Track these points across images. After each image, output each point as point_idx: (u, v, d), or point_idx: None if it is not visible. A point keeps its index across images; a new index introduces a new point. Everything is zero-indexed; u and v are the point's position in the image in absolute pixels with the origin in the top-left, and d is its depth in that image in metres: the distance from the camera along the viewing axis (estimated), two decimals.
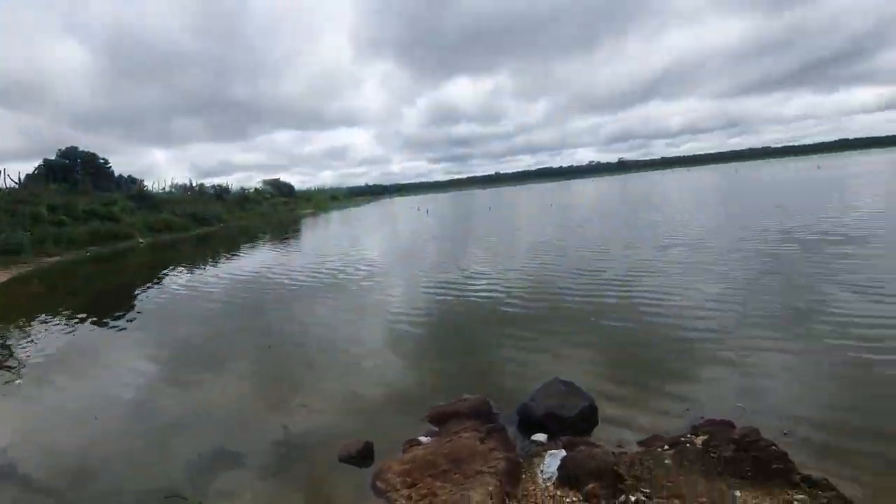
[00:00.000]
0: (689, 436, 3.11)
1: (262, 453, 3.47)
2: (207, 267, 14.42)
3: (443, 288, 8.37)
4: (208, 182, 53.84)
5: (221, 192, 51.02)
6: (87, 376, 5.44)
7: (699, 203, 20.88)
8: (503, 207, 33.49)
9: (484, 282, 8.57)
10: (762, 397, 3.66)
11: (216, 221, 38.33)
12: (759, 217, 13.73)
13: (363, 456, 3.28)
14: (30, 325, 8.13)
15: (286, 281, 10.59)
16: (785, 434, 3.14)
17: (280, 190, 69.01)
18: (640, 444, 3.18)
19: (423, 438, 3.42)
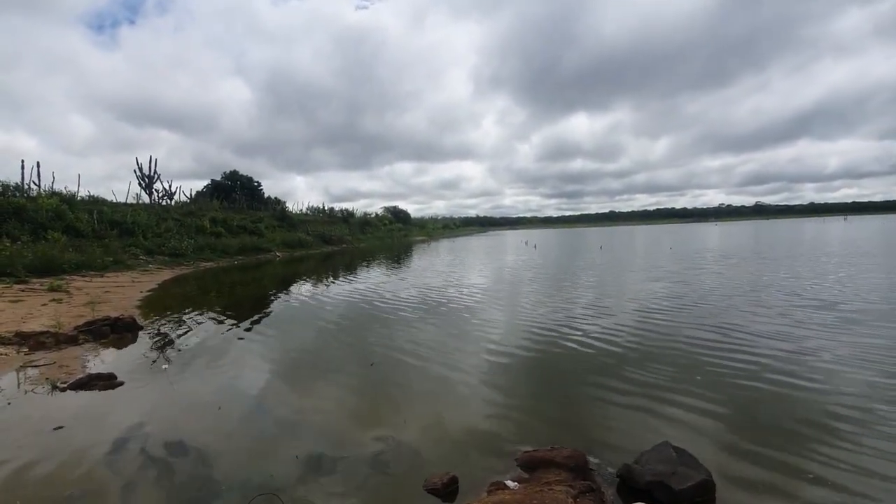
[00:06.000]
0: None
1: (351, 466, 3.55)
2: (328, 283, 15.74)
3: (545, 327, 8.05)
4: (337, 206, 59.85)
5: (347, 216, 56.33)
6: (217, 369, 6.15)
7: (865, 253, 17.46)
8: (616, 247, 31.63)
9: (590, 325, 8.07)
10: None
11: (340, 242, 42.07)
12: None
13: (448, 490, 3.19)
14: (180, 318, 9.53)
15: (393, 302, 11.08)
16: None
17: (397, 216, 74.22)
18: None
19: (509, 483, 3.23)
